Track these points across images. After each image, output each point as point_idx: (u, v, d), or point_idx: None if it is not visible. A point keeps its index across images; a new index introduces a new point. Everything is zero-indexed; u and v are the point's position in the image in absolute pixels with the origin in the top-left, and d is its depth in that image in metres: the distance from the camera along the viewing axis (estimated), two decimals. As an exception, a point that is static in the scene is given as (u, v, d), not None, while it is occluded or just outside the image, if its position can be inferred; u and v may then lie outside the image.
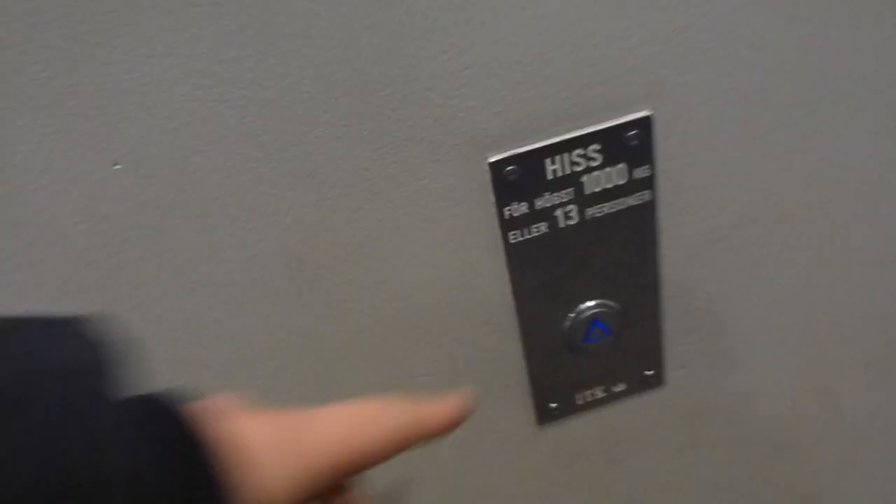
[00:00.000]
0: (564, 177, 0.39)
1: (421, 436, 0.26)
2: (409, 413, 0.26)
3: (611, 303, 0.44)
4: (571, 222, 0.41)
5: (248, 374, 0.42)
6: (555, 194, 0.39)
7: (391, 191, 0.38)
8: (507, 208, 0.39)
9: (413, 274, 0.41)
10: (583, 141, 0.38)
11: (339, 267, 0.39)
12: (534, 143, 0.38)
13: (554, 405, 0.48)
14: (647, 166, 0.40)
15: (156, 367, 0.23)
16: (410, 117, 0.36)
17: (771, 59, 0.38)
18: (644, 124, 0.39)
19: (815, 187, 0.44)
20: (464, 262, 0.41)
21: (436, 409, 0.27)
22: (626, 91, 0.37)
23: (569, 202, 0.40)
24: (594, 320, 0.45)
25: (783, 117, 0.40)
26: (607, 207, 0.41)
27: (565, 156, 0.38)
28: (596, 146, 0.39)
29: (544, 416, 0.49)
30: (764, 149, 0.41)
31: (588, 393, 0.49)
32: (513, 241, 0.40)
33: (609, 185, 0.40)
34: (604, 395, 0.49)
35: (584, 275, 0.43)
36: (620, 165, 0.39)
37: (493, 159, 0.38)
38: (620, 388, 0.49)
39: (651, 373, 0.49)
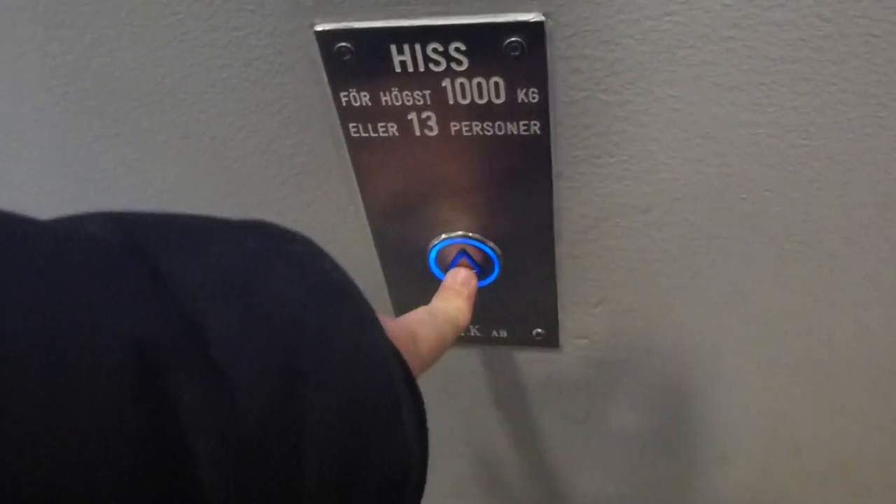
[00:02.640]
0: (417, 74, 0.29)
1: (454, 337, 0.31)
2: (447, 319, 0.30)
3: (485, 240, 0.36)
4: (430, 133, 0.32)
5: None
6: (405, 93, 0.30)
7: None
8: (344, 94, 0.31)
9: (247, 144, 0.34)
10: (439, 33, 0.28)
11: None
12: (374, 20, 0.28)
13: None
14: (532, 89, 0.29)
15: None
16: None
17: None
18: (532, 30, 0.27)
19: (766, 158, 0.31)
20: (301, 143, 0.34)
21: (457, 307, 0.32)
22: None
23: (425, 107, 0.31)
24: (461, 253, 0.36)
25: (731, 59, 0.27)
26: (479, 128, 0.31)
27: (417, 47, 0.29)
28: (459, 44, 0.28)
29: (409, 334, 0.43)
30: (703, 89, 0.29)
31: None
32: (354, 136, 0.32)
33: (480, 101, 0.30)
34: (481, 335, 0.42)
35: (451, 201, 0.34)
36: (495, 79, 0.29)
37: (319, 28, 0.29)
38: (501, 334, 0.42)
39: (541, 332, 0.41)
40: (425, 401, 0.22)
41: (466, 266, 0.37)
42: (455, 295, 0.33)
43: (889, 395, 0.40)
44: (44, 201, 0.39)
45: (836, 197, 0.31)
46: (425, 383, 0.23)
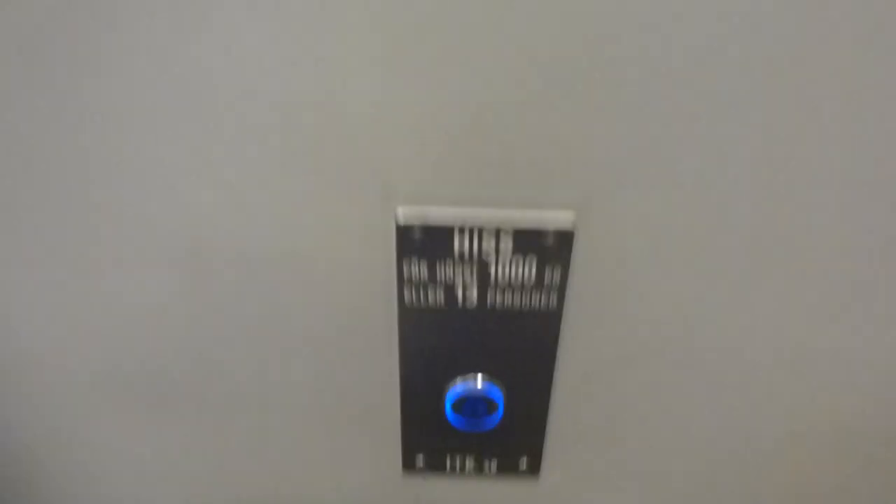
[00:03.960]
0: (472, 257, 0.38)
1: None
2: None
3: (497, 382, 0.43)
4: (470, 305, 0.40)
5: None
6: (458, 269, 0.39)
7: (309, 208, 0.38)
8: (406, 265, 0.39)
9: (312, 294, 0.41)
10: (496, 222, 0.37)
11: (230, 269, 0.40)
12: (448, 206, 0.37)
13: (421, 457, 0.48)
14: (558, 271, 0.38)
15: None
16: (335, 158, 0.35)
17: (715, 198, 0.36)
18: (564, 230, 0.37)
19: (727, 341, 0.41)
20: (359, 306, 0.41)
21: None
22: (553, 190, 0.36)
23: (470, 279, 0.39)
24: (473, 399, 0.44)
25: (710, 267, 0.38)
26: (510, 300, 0.40)
27: (474, 231, 0.38)
28: (509, 230, 0.37)
29: (410, 466, 0.49)
30: (682, 292, 0.39)
31: (459, 459, 0.48)
32: (406, 303, 0.40)
33: (516, 279, 0.39)
34: (474, 466, 0.48)
35: (476, 352, 0.42)
36: (531, 261, 0.38)
37: (401, 212, 0.37)
38: (492, 468, 0.48)
39: (526, 465, 0.48)
40: None
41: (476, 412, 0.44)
42: None
43: None
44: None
45: (766, 363, 0.42)
46: None
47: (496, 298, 0.40)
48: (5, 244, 0.39)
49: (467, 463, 0.48)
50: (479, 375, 0.43)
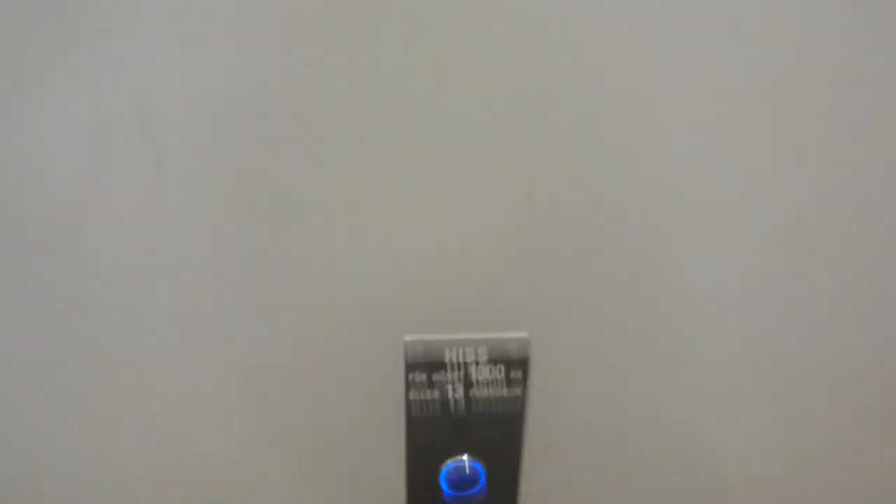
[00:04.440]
0: (458, 363, 0.54)
1: None
2: None
3: (479, 460, 0.58)
4: (458, 396, 0.55)
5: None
6: (448, 374, 0.54)
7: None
8: (412, 375, 0.54)
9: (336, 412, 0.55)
10: (474, 342, 0.53)
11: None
12: (440, 333, 0.53)
13: (422, 529, 0.61)
14: (520, 371, 0.54)
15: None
16: (347, 303, 0.51)
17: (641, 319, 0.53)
18: (522, 342, 0.53)
19: (674, 434, 0.57)
20: (373, 410, 0.55)
21: None
22: (511, 314, 0.52)
23: (458, 382, 0.54)
24: (464, 470, 0.58)
25: (647, 375, 0.55)
26: (486, 392, 0.55)
27: (460, 349, 0.53)
28: (484, 346, 0.53)
29: (413, 536, 0.62)
30: (617, 389, 0.55)
31: (452, 527, 0.61)
32: (412, 399, 0.55)
33: (490, 377, 0.54)
34: (464, 532, 0.62)
35: (464, 438, 0.57)
36: (500, 365, 0.54)
37: (408, 338, 0.53)
38: (478, 530, 0.62)
39: (505, 526, 0.62)
40: None
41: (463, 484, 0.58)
42: None
43: None
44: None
45: (672, 429, 0.58)
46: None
47: (477, 394, 0.55)
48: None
49: (458, 529, 0.61)
50: (466, 456, 0.58)
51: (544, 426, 0.57)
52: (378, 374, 0.54)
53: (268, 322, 0.52)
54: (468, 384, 0.55)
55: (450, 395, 0.55)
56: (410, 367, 0.54)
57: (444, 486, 0.59)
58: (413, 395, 0.55)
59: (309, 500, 0.59)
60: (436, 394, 0.55)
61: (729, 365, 0.55)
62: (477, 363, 0.54)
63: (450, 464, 0.58)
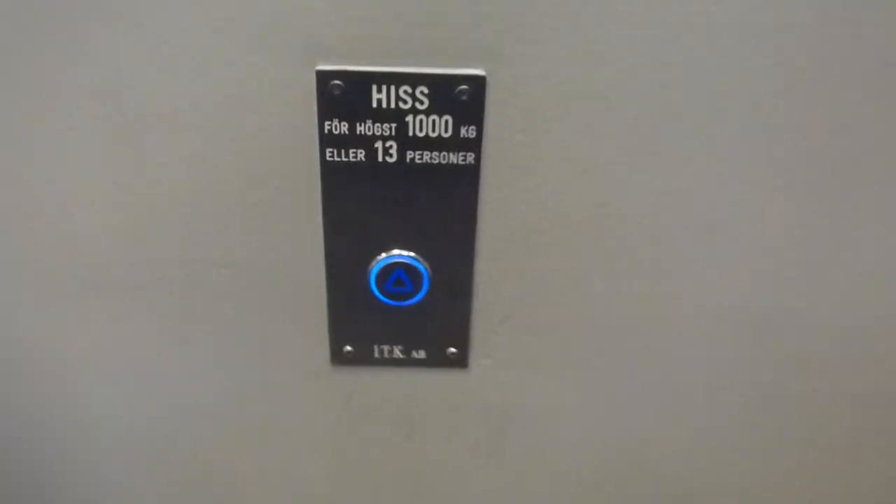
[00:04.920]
0: (389, 110, 0.40)
1: None
2: None
3: (419, 259, 0.45)
4: (390, 159, 0.41)
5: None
6: (377, 124, 0.40)
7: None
8: (328, 123, 0.40)
9: (237, 156, 0.42)
10: (411, 79, 0.39)
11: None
12: (363, 65, 0.39)
13: (349, 349, 0.49)
14: (473, 127, 0.40)
15: None
16: (258, 18, 0.37)
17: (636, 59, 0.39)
18: (476, 82, 0.39)
19: (649, 205, 0.44)
20: (279, 167, 0.42)
21: None
22: (466, 44, 0.38)
23: (389, 137, 0.41)
24: (398, 269, 0.45)
25: (630, 126, 0.41)
26: (428, 156, 0.41)
27: (392, 88, 0.39)
28: (423, 88, 0.39)
29: (338, 357, 0.49)
30: (602, 153, 0.42)
31: (386, 348, 0.49)
32: (329, 160, 0.41)
33: (433, 135, 0.41)
34: (402, 356, 0.49)
35: (397, 219, 0.44)
36: (446, 117, 0.40)
37: (320, 68, 0.39)
38: (420, 355, 0.49)
39: (454, 351, 0.49)
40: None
41: (403, 284, 0.45)
42: None
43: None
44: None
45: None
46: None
47: (415, 155, 0.41)
48: None
49: (395, 351, 0.49)
50: (401, 250, 0.45)
51: (506, 209, 0.44)
52: (286, 122, 0.41)
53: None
54: (404, 142, 0.41)
55: (379, 156, 0.41)
56: (325, 111, 0.40)
57: (374, 289, 0.46)
58: (329, 153, 0.41)
59: (202, 307, 0.47)
60: (360, 154, 0.41)
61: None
62: (415, 111, 0.40)
63: (381, 260, 0.45)
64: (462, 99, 0.40)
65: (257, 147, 0.41)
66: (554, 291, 0.46)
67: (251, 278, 0.46)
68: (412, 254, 0.45)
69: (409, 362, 0.49)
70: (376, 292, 0.46)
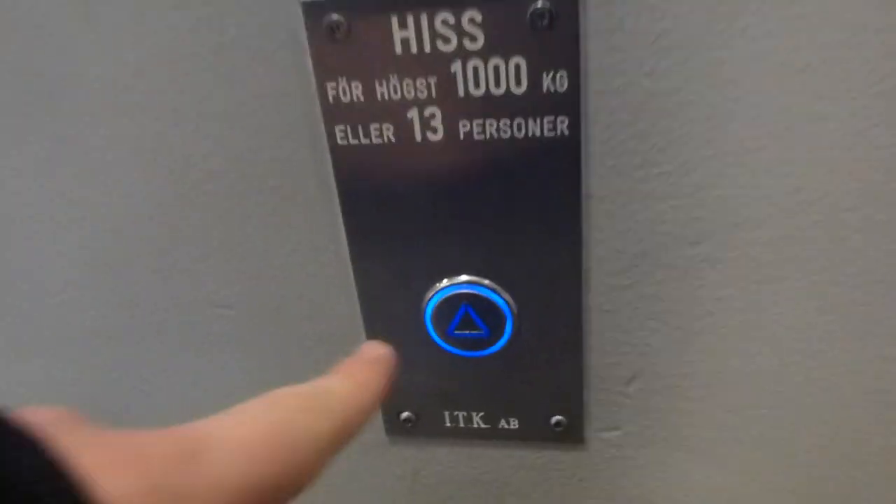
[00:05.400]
0: (422, 56, 0.24)
1: (353, 431, 0.18)
2: (329, 406, 0.18)
3: (497, 289, 0.29)
4: (434, 136, 0.26)
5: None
6: (407, 81, 0.25)
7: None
8: (332, 85, 0.26)
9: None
10: (453, 0, 0.24)
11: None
12: (376, -15, 0.24)
13: (408, 415, 0.34)
14: (563, 72, 0.24)
15: None
16: None
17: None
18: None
19: (845, 165, 0.25)
20: (275, 159, 0.28)
21: (358, 387, 0.19)
22: (540, -72, 0.22)
23: (429, 101, 0.25)
24: (464, 304, 0.29)
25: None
26: (495, 128, 0.25)
27: (423, 18, 0.24)
28: (473, 13, 0.24)
29: (395, 426, 0.34)
30: (768, 70, 0.24)
31: (461, 415, 0.33)
32: (342, 144, 0.27)
33: (497, 91, 0.25)
34: (485, 426, 0.34)
35: (457, 232, 0.28)
36: (515, 60, 0.24)
37: (308, -3, 0.24)
38: (512, 425, 0.33)
39: (562, 421, 0.33)
40: None
41: (474, 327, 0.30)
42: (350, 369, 0.20)
43: None
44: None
45: (931, 221, 0.25)
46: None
47: (472, 127, 0.26)
48: None
49: (474, 419, 0.33)
50: (467, 276, 0.29)
51: (631, 207, 0.27)
52: (271, 91, 0.27)
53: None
54: (453, 106, 0.25)
55: (417, 132, 0.26)
56: (324, 66, 0.25)
57: (432, 334, 0.31)
58: (341, 134, 0.27)
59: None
60: (388, 131, 0.26)
61: None
62: (465, 53, 0.24)
63: (438, 291, 0.30)
64: (541, 26, 0.23)
65: (239, 135, 0.28)
66: (710, 336, 0.29)
67: (256, 322, 0.32)
68: (486, 282, 0.29)
69: (495, 434, 0.34)
70: (436, 338, 0.31)
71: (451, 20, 0.24)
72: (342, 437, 0.18)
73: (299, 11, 0.24)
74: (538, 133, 0.25)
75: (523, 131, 0.25)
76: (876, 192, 0.25)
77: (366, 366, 0.20)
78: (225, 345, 0.34)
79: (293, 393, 0.17)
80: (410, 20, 0.24)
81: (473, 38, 0.24)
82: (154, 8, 0.26)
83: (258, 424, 0.15)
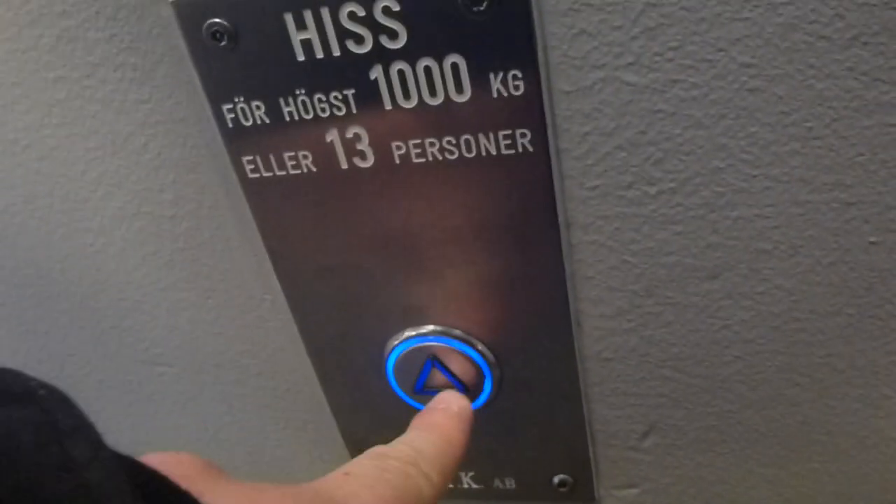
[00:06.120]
0: (332, 62, 0.19)
1: (446, 489, 0.19)
2: (428, 469, 0.18)
3: (467, 337, 0.23)
4: (363, 163, 0.20)
5: None
6: (317, 96, 0.19)
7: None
8: (228, 107, 0.20)
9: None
10: (358, -17, 0.18)
11: None
12: (259, -25, 0.18)
13: (386, 477, 0.29)
14: (515, 72, 0.18)
15: None
16: None
17: None
18: (504, -33, 0.17)
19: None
20: (181, 198, 0.23)
21: (450, 445, 0.20)
22: None
23: (349, 118, 0.20)
24: (430, 360, 0.24)
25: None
26: (437, 148, 0.20)
27: (325, 14, 0.18)
28: (390, 2, 0.18)
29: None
30: (794, 46, 0.17)
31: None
32: (252, 177, 0.21)
33: (433, 101, 0.19)
34: (477, 486, 0.28)
35: (410, 276, 0.22)
36: (452, 58, 0.18)
37: (177, -3, 0.19)
38: (508, 484, 0.28)
39: (567, 479, 0.27)
40: None
41: (445, 384, 0.24)
42: (434, 425, 0.20)
43: None
44: None
45: None
46: None
47: (408, 150, 0.20)
48: None
49: (464, 480, 0.28)
50: (428, 327, 0.23)
51: (622, 232, 0.21)
52: (160, 118, 0.21)
53: None
54: (377, 125, 0.20)
55: (341, 158, 0.20)
56: (214, 84, 0.20)
57: (397, 391, 0.25)
58: (249, 165, 0.21)
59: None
60: (305, 160, 0.21)
61: None
62: (385, 55, 0.18)
63: (397, 346, 0.24)
64: (479, 10, 0.17)
65: (137, 172, 0.22)
66: (740, 385, 0.23)
67: (200, 379, 0.28)
68: (456, 332, 0.23)
69: (490, 494, 0.28)
70: (402, 395, 0.25)
71: (361, 12, 0.18)
72: (439, 496, 0.18)
73: (173, 15, 0.19)
74: (493, 151, 0.19)
75: (474, 151, 0.19)
76: (958, 200, 0.18)
77: (449, 420, 0.20)
78: (172, 404, 0.29)
79: (395, 455, 0.18)
80: (309, 17, 0.18)
81: (393, 35, 0.18)
82: (6, 31, 0.20)
83: (377, 490, 0.16)
